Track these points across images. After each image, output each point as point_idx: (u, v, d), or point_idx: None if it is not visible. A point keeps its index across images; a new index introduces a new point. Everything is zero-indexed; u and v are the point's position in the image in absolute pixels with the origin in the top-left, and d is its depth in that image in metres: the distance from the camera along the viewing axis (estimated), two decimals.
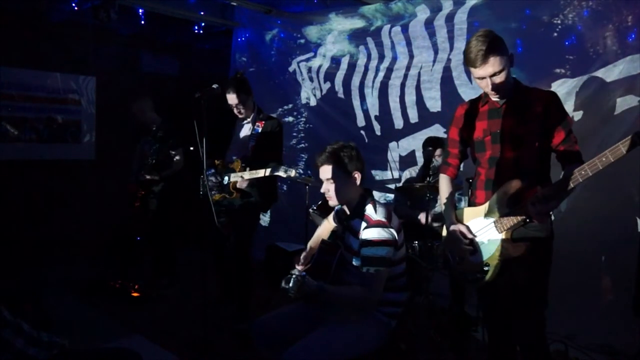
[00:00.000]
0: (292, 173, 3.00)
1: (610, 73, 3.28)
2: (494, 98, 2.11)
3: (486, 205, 2.11)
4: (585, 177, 1.76)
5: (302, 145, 5.32)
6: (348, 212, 2.25)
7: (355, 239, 2.15)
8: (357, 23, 4.70)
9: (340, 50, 4.91)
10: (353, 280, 2.10)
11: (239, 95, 3.33)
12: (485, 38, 1.96)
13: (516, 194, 2.00)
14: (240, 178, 3.23)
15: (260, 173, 3.12)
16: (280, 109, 5.46)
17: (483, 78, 2.02)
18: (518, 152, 2.06)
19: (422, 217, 3.57)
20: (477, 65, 1.97)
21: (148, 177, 4.13)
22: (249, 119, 3.45)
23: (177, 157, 4.21)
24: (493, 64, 1.96)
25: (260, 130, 3.38)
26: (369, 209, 2.14)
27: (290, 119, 5.38)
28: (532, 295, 2.07)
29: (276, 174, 3.07)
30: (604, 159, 1.70)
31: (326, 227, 2.54)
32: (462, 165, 2.44)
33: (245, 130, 3.47)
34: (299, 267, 2.32)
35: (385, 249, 2.04)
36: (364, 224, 2.11)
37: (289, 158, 4.94)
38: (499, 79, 2.00)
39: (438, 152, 3.62)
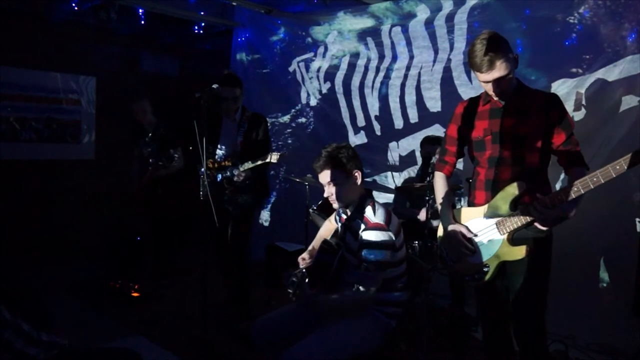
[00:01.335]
0: (283, 156, 3.17)
1: (611, 73, 3.28)
2: (496, 98, 2.10)
3: (486, 206, 2.10)
4: (597, 183, 1.72)
5: (309, 144, 5.23)
6: (349, 213, 2.25)
7: (354, 239, 2.15)
8: (367, 22, 4.64)
9: (340, 50, 4.89)
10: (353, 280, 2.11)
11: (240, 90, 3.46)
12: (490, 41, 1.92)
13: (519, 196, 1.99)
14: (238, 170, 3.28)
15: (266, 159, 3.17)
16: (293, 110, 5.39)
17: (488, 82, 2.00)
18: (518, 153, 2.05)
19: (422, 215, 3.56)
20: (483, 70, 1.95)
21: (152, 175, 4.13)
22: (235, 116, 3.50)
23: (177, 156, 4.21)
24: (499, 69, 1.93)
25: (247, 126, 3.48)
26: (368, 211, 2.14)
27: (303, 119, 5.32)
28: (532, 296, 2.06)
29: (271, 160, 3.19)
30: (617, 167, 1.66)
31: (328, 227, 2.54)
32: (461, 166, 2.43)
33: (233, 127, 3.53)
34: (301, 266, 2.32)
35: (383, 252, 2.04)
36: (362, 226, 2.11)
37: (296, 158, 4.91)
38: (504, 82, 1.99)
39: (438, 150, 3.61)
